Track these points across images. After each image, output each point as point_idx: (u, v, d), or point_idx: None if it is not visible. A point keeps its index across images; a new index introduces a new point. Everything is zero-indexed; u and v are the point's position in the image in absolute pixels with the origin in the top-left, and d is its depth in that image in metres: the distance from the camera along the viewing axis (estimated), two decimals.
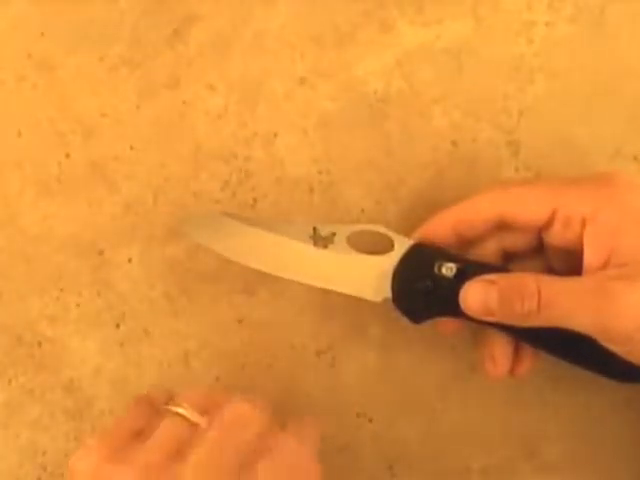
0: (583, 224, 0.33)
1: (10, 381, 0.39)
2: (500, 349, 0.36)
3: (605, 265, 0.32)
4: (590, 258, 0.33)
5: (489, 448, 0.40)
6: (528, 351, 0.36)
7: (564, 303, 0.31)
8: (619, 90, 0.40)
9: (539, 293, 0.32)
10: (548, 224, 0.34)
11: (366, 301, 0.37)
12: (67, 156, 0.40)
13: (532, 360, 0.36)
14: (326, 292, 0.39)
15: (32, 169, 0.40)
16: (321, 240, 0.36)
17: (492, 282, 0.33)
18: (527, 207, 0.34)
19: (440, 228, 0.36)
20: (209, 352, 0.40)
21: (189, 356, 0.40)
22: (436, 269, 0.34)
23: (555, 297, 0.32)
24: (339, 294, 0.38)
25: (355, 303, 0.39)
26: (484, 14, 0.40)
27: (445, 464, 0.40)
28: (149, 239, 0.40)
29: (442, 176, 0.40)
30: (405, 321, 0.35)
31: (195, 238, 0.37)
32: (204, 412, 0.32)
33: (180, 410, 0.32)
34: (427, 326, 0.39)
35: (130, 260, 0.40)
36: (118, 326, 0.40)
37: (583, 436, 0.40)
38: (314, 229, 0.36)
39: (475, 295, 0.33)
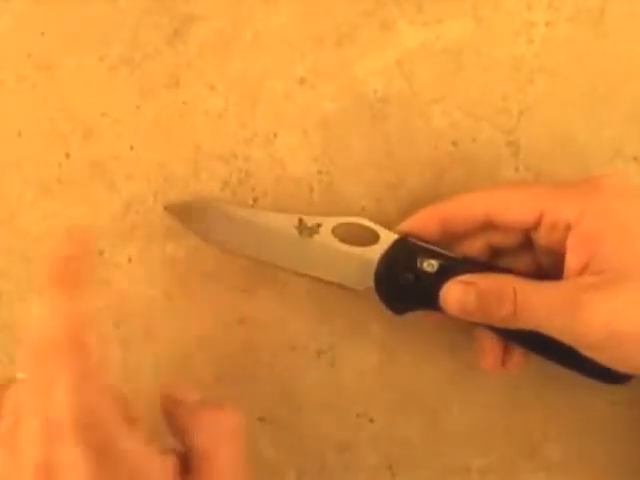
0: (568, 229, 0.33)
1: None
2: (489, 343, 0.36)
3: (583, 271, 0.33)
4: (570, 262, 0.33)
5: (489, 448, 0.40)
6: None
7: (538, 310, 0.32)
8: (619, 90, 0.40)
9: (515, 298, 0.32)
10: (534, 226, 0.34)
11: (366, 301, 0.37)
12: (67, 156, 0.40)
13: (522, 355, 0.36)
14: (326, 292, 0.39)
15: (32, 169, 0.40)
16: (306, 230, 0.36)
17: (471, 284, 0.33)
18: (513, 210, 0.34)
19: (427, 223, 0.36)
20: (209, 352, 0.40)
21: (189, 356, 0.40)
22: (418, 264, 0.35)
23: (530, 303, 0.32)
24: (338, 294, 0.38)
25: (355, 303, 0.39)
26: (484, 14, 0.40)
27: (445, 464, 0.40)
28: (149, 239, 0.40)
29: (442, 176, 0.40)
30: (399, 318, 0.36)
31: (183, 225, 0.38)
32: None
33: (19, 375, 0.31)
34: (427, 326, 0.39)
35: (130, 260, 0.40)
36: (118, 326, 0.40)
37: (583, 436, 0.40)
38: (300, 220, 0.36)
39: (454, 296, 0.34)
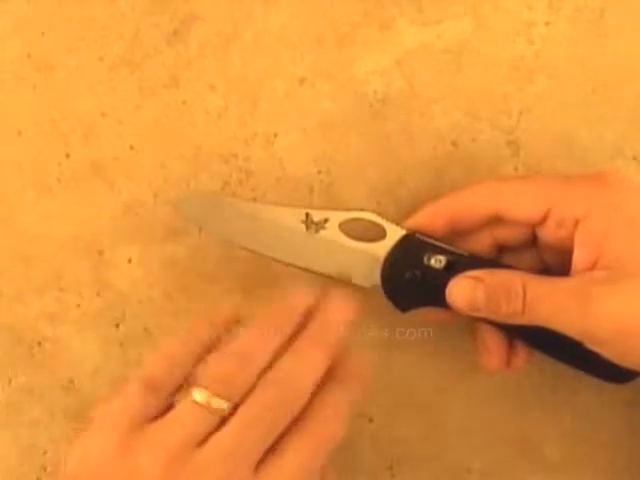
0: (576, 225, 0.33)
1: (10, 381, 0.39)
2: (494, 340, 0.36)
3: (592, 267, 0.33)
4: (579, 259, 0.33)
5: (489, 448, 0.40)
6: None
7: (548, 305, 0.32)
8: (619, 90, 0.40)
9: (524, 294, 0.32)
10: (541, 222, 0.34)
11: (366, 300, 0.37)
12: (67, 156, 0.40)
13: (528, 352, 0.36)
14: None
15: (32, 169, 0.40)
16: (313, 225, 0.36)
17: (479, 279, 0.33)
18: (521, 205, 0.34)
19: (434, 218, 0.36)
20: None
21: None
22: (426, 260, 0.35)
23: (539, 298, 0.32)
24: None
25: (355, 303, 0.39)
26: (484, 14, 0.40)
27: (445, 464, 0.40)
28: (149, 239, 0.40)
29: (442, 176, 0.40)
30: (399, 313, 0.36)
31: (189, 218, 0.38)
32: (226, 390, 0.30)
33: (198, 396, 0.30)
34: (427, 326, 0.39)
35: (130, 260, 0.40)
36: (118, 326, 0.40)
37: (583, 436, 0.40)
38: (307, 214, 0.36)
39: (462, 291, 0.34)
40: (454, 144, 0.40)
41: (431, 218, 0.36)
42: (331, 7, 0.40)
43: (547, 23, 0.40)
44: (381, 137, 0.40)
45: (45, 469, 0.39)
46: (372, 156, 0.40)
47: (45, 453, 0.39)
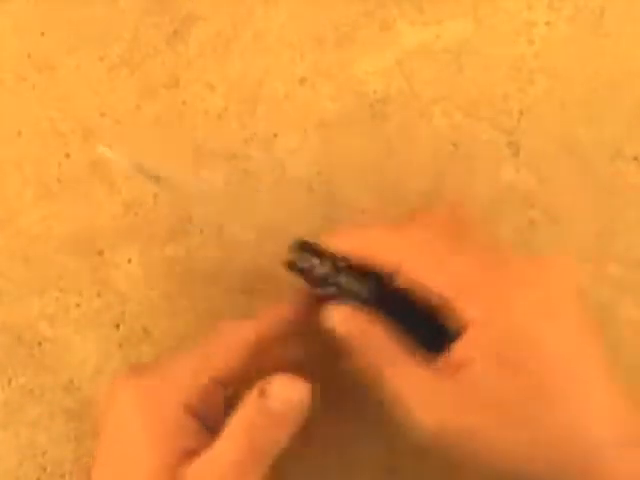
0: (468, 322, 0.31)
1: (10, 381, 0.39)
2: None
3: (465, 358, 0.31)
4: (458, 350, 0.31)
5: None
6: None
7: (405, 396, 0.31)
8: (619, 90, 0.40)
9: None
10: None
11: None
12: (67, 156, 0.40)
13: None
14: None
15: (32, 169, 0.40)
16: None
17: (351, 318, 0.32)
18: (433, 283, 0.31)
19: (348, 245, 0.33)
20: None
21: None
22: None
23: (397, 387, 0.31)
24: None
25: None
26: (484, 14, 0.40)
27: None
28: (149, 239, 0.40)
29: (442, 176, 0.40)
30: None
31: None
32: None
33: None
34: None
35: (130, 260, 0.40)
36: (118, 326, 0.40)
37: None
38: None
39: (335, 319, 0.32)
40: (454, 144, 0.40)
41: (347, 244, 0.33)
42: (331, 7, 0.40)
43: (547, 23, 0.40)
44: (381, 137, 0.40)
45: (45, 469, 0.39)
46: (372, 156, 0.40)
47: (45, 453, 0.39)
